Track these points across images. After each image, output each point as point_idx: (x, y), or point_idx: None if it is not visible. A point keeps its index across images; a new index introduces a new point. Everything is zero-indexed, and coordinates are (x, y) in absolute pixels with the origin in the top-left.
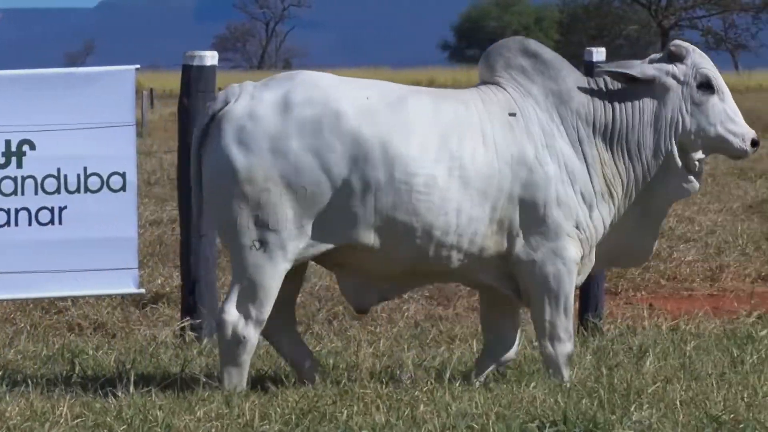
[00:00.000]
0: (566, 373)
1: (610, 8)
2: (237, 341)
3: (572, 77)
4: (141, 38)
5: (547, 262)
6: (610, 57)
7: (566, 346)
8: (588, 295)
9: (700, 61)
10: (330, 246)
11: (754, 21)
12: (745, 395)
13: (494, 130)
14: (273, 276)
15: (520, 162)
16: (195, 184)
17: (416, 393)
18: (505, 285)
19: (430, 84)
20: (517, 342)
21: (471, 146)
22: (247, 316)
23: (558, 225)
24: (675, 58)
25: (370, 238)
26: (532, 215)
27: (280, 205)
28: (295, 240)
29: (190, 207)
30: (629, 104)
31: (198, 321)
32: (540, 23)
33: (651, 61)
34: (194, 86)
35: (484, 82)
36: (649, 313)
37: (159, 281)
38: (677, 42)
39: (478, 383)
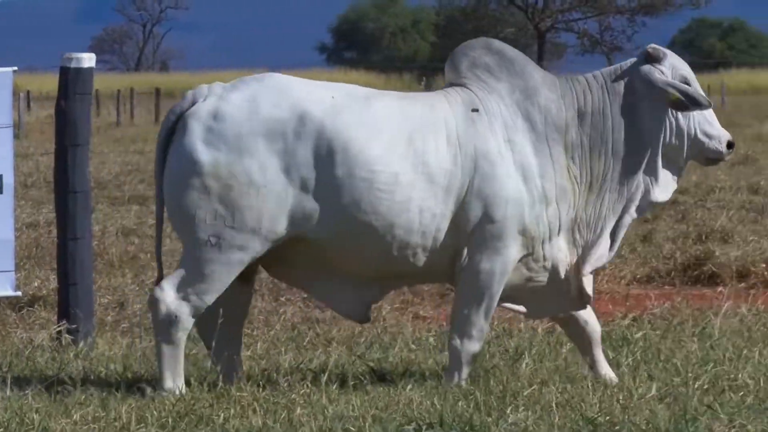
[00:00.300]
0: (466, 371)
1: (487, 11)
2: (169, 320)
3: (538, 74)
4: (18, 40)
5: (485, 258)
6: None
7: (474, 345)
8: None
9: (678, 63)
10: (279, 241)
11: (629, 23)
12: (621, 397)
13: (457, 126)
14: (222, 273)
15: (482, 155)
16: (157, 179)
17: (293, 396)
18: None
19: None
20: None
21: (434, 145)
22: (184, 298)
23: (507, 221)
24: (653, 59)
25: (325, 235)
26: (488, 209)
27: (240, 202)
28: (251, 239)
29: (66, 209)
30: (611, 106)
31: (74, 325)
32: (417, 25)
33: (633, 64)
34: (71, 88)
35: (450, 84)
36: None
37: (35, 284)
38: (654, 45)
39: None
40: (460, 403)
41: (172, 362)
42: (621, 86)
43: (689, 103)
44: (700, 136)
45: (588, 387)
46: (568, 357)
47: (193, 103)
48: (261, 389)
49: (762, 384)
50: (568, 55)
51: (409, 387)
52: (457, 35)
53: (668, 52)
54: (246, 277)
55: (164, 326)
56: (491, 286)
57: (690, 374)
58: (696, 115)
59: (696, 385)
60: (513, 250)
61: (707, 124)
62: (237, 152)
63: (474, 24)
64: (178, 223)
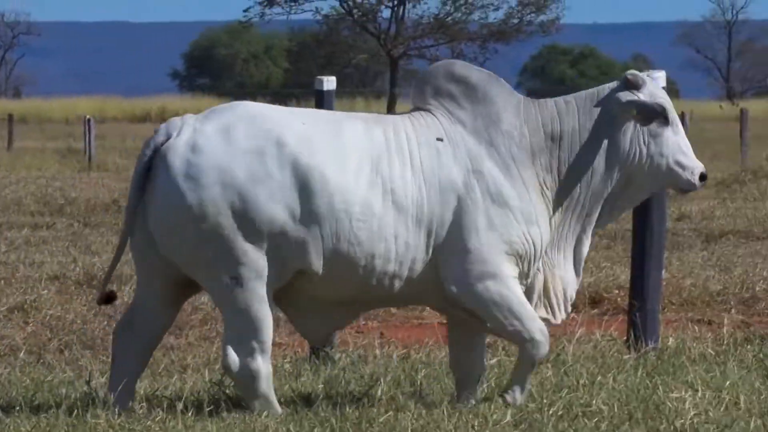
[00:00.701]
0: (528, 380)
1: (340, 37)
2: (250, 378)
3: (501, 98)
4: None
5: (481, 288)
6: (340, 86)
7: (544, 347)
8: None
9: (656, 91)
10: (289, 275)
11: (481, 50)
12: (476, 423)
13: (421, 155)
14: (258, 302)
15: (448, 188)
16: (130, 214)
17: (149, 423)
18: (457, 307)
19: (162, 112)
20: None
21: (400, 171)
22: (248, 352)
23: (489, 248)
24: (632, 86)
25: (319, 266)
26: (463, 240)
27: (238, 236)
28: (264, 266)
29: None
30: (584, 131)
31: None
32: (269, 51)
33: (611, 90)
34: None
35: (416, 108)
36: (381, 342)
37: None
38: (633, 72)
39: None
40: (315, 430)
41: (272, 410)
42: (596, 112)
43: (650, 112)
44: (673, 165)
45: (443, 413)
46: (423, 383)
47: (168, 137)
48: (117, 416)
49: (616, 410)
50: None
51: (265, 414)
52: (310, 61)
53: (647, 79)
54: (172, 300)
55: (249, 386)
56: (508, 297)
57: (545, 400)
58: (671, 144)
59: (551, 411)
60: (506, 268)
61: (681, 155)
62: (219, 186)
63: (327, 50)
64: (191, 270)
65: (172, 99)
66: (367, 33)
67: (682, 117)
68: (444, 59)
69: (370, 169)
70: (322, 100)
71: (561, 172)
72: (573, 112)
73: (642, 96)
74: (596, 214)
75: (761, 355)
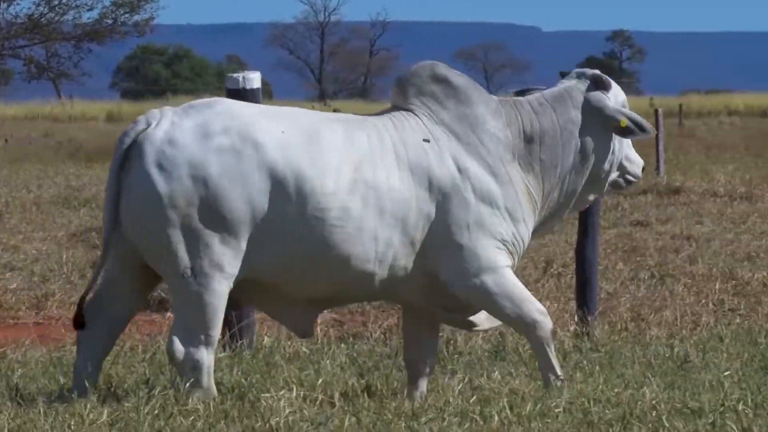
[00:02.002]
0: (553, 349)
1: None
2: (192, 367)
3: (483, 101)
4: None
5: (475, 279)
6: None
7: (546, 325)
8: None
9: (618, 91)
10: (252, 275)
11: (75, 50)
12: (72, 423)
13: (408, 154)
14: (212, 297)
15: (437, 187)
16: (110, 202)
17: None
18: (433, 302)
19: None
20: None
21: (386, 173)
22: (194, 342)
23: (482, 244)
24: (602, 86)
25: (282, 268)
26: (455, 237)
27: (204, 230)
28: (224, 263)
29: None
30: (561, 130)
31: None
32: None
33: (580, 91)
34: None
35: (396, 108)
36: None
37: None
38: (598, 72)
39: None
40: None
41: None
42: (571, 111)
43: (638, 129)
44: (624, 160)
45: (40, 413)
46: (20, 383)
47: (147, 126)
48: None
49: (212, 408)
50: (16, 81)
51: None
52: None
53: (611, 79)
54: (143, 286)
55: (190, 375)
56: (505, 286)
57: (141, 399)
58: (623, 140)
59: (146, 410)
60: (501, 260)
61: (629, 149)
62: (191, 180)
63: None
64: (152, 258)
65: None
66: None
67: None
68: (38, 60)
69: (351, 173)
70: None
71: (543, 171)
72: (548, 111)
73: (611, 96)
74: (566, 210)
75: (354, 354)
